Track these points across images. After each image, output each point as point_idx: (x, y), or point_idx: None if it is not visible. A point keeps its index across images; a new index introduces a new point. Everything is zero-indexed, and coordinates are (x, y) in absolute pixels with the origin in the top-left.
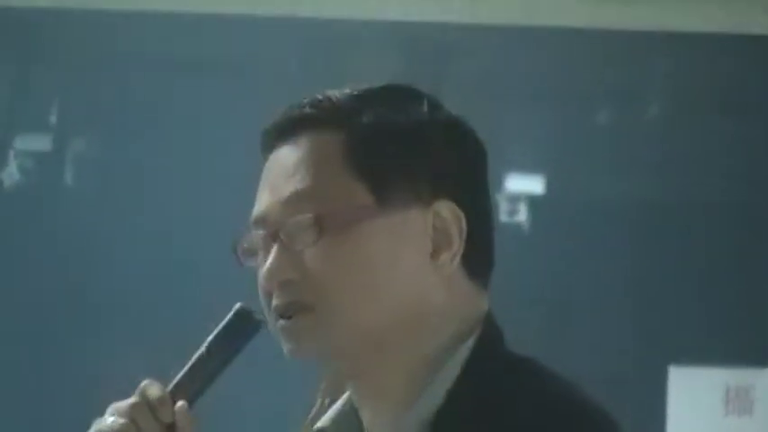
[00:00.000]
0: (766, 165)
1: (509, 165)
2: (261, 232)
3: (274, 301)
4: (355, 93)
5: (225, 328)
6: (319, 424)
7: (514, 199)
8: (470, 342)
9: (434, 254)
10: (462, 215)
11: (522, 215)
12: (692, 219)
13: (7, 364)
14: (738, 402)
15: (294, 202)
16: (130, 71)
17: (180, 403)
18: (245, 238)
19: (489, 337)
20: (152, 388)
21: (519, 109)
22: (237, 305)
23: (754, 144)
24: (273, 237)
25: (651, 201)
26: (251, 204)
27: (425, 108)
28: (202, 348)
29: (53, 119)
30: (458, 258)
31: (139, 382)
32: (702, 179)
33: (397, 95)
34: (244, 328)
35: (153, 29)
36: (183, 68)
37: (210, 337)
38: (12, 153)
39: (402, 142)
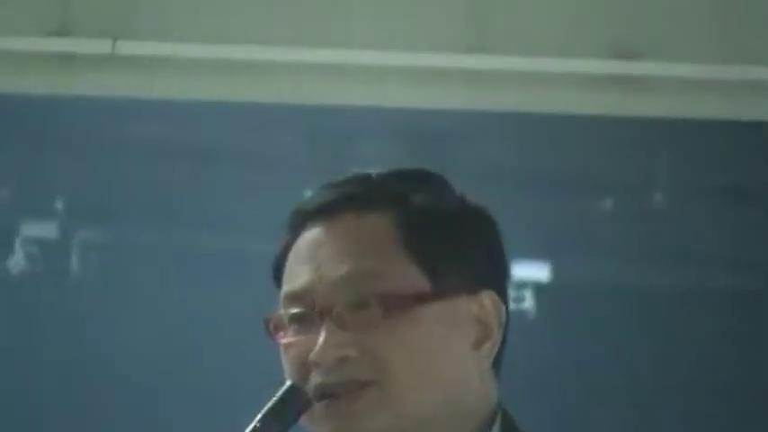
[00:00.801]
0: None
1: (513, 252)
2: (297, 310)
3: (318, 379)
4: (392, 173)
5: (276, 404)
6: None
7: (520, 286)
8: (496, 428)
9: (477, 343)
10: (503, 306)
11: (528, 302)
12: (698, 306)
13: None
14: None
15: (352, 280)
16: (136, 159)
17: None
18: (278, 313)
19: (510, 422)
20: None
21: (523, 196)
22: (288, 382)
23: (761, 232)
24: (322, 314)
25: (656, 287)
26: (258, 290)
27: (459, 194)
28: (253, 424)
29: (59, 206)
30: (497, 348)
31: None
32: (708, 267)
33: (431, 180)
34: (295, 405)
35: (159, 116)
36: (188, 156)
37: (262, 413)
38: (18, 241)
39: (451, 227)
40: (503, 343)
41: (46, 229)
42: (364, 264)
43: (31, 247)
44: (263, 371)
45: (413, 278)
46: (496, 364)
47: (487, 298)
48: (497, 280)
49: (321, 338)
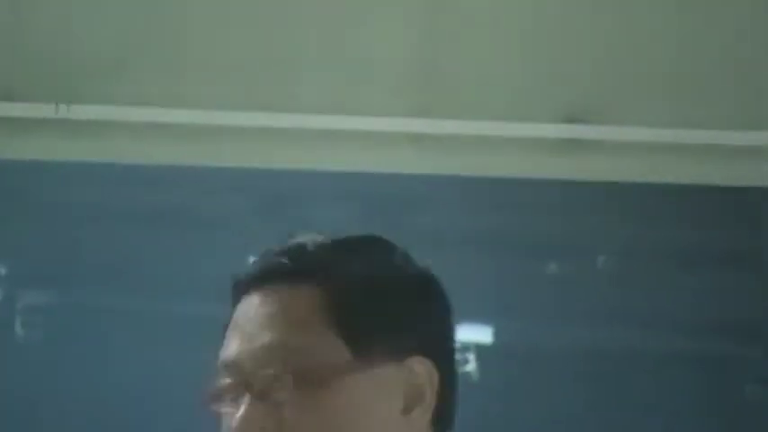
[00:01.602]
0: (719, 315)
1: (458, 314)
2: (227, 380)
3: None
4: (329, 243)
5: None
6: None
7: (463, 349)
8: None
9: (406, 409)
10: (435, 371)
11: (471, 365)
12: (643, 368)
13: None
14: None
15: (268, 353)
16: (82, 222)
17: None
18: (213, 383)
19: None
20: None
21: (469, 258)
22: None
23: (706, 295)
24: (246, 385)
25: (601, 350)
26: (208, 353)
27: (398, 261)
28: None
29: (2, 271)
30: (429, 414)
31: None
32: (654, 330)
33: (370, 247)
34: None
35: (105, 179)
36: (135, 218)
37: None
38: None
39: (378, 297)
40: (450, 404)
41: None
42: (283, 336)
43: None
44: None
45: (332, 350)
46: (443, 426)
47: (418, 363)
48: (434, 345)
49: (240, 412)
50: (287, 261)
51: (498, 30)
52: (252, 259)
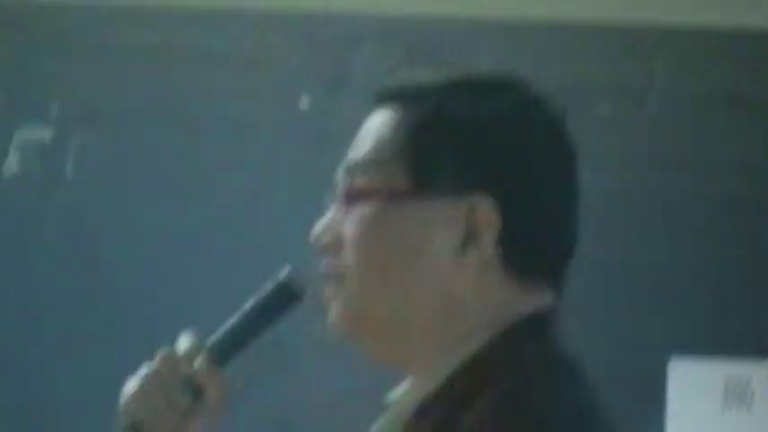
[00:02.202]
0: (763, 160)
1: None
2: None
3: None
4: (443, 77)
5: (266, 295)
6: (390, 396)
7: None
8: (486, 335)
9: (462, 248)
10: (498, 216)
11: None
12: (689, 211)
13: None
14: (738, 394)
15: (352, 167)
16: (132, 64)
17: (200, 359)
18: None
19: (514, 332)
20: (182, 340)
21: None
22: (285, 271)
23: (758, 140)
24: (334, 193)
25: (649, 192)
26: (257, 197)
27: (507, 103)
28: (242, 311)
29: (53, 111)
30: (485, 255)
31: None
32: (702, 172)
33: (485, 86)
34: (282, 298)
35: (155, 22)
36: (185, 61)
37: (252, 302)
38: (11, 145)
39: (455, 131)
40: (529, 253)
41: (41, 133)
42: (360, 154)
43: (26, 152)
44: (265, 275)
45: (394, 174)
46: (525, 273)
47: (482, 205)
48: (512, 189)
49: (322, 220)
50: (397, 84)
51: None
52: (305, 99)
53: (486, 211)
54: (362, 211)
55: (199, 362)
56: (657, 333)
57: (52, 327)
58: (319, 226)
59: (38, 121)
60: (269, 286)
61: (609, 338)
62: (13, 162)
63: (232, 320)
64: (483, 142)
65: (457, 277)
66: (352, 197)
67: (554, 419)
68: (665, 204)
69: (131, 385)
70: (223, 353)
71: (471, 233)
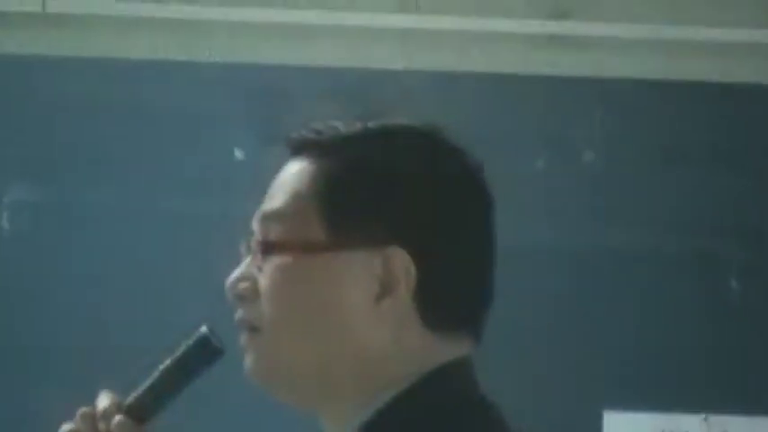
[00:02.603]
0: (700, 214)
1: None
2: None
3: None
4: (357, 127)
5: (186, 350)
6: None
7: None
8: (403, 384)
9: (378, 300)
10: (412, 264)
11: None
12: (627, 265)
13: None
14: None
15: (264, 219)
16: (68, 117)
17: (117, 418)
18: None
19: (431, 380)
20: (102, 399)
21: None
22: (202, 328)
23: (689, 192)
24: (246, 246)
25: (585, 247)
26: (190, 246)
27: (423, 153)
28: (162, 367)
29: None
30: (401, 307)
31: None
32: (638, 227)
33: (401, 136)
34: (204, 353)
35: (92, 74)
36: (121, 113)
37: (171, 358)
38: None
39: (368, 183)
40: (445, 304)
41: None
42: (275, 206)
43: None
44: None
45: (309, 227)
46: (440, 325)
47: (396, 255)
48: (427, 240)
49: (236, 269)
50: (310, 135)
51: None
52: (238, 152)
53: (400, 263)
54: (278, 262)
55: (117, 420)
56: (592, 385)
57: None
58: (234, 275)
59: None
60: (188, 341)
61: (545, 389)
62: None
63: (152, 377)
64: (396, 193)
65: (372, 329)
66: (268, 248)
67: None
68: (603, 258)
69: None
70: (143, 411)
71: (387, 285)
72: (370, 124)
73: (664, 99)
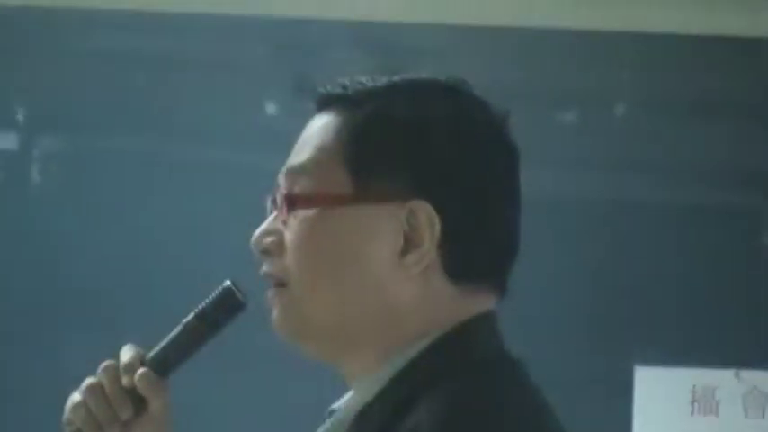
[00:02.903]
0: (733, 167)
1: None
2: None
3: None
4: (383, 81)
5: (209, 303)
6: (334, 405)
7: None
8: (430, 338)
9: (403, 253)
10: (437, 219)
11: None
12: (658, 218)
13: None
14: (704, 402)
15: (290, 174)
16: (99, 68)
17: (141, 370)
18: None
19: (457, 334)
20: (124, 352)
21: None
22: (226, 282)
23: (721, 147)
24: (273, 201)
25: (617, 199)
26: (219, 197)
27: (447, 105)
28: (185, 321)
29: (19, 117)
30: (426, 260)
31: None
32: (670, 180)
33: (426, 89)
34: (226, 306)
35: (123, 26)
36: (152, 65)
37: (195, 311)
38: None
39: (394, 135)
40: (469, 257)
41: (5, 140)
42: (301, 159)
43: None
44: (228, 277)
45: (336, 181)
46: (465, 278)
47: (421, 209)
48: (452, 193)
49: (262, 225)
50: (338, 89)
51: None
52: (270, 105)
53: (425, 216)
54: (303, 216)
55: (140, 372)
56: (624, 341)
57: (17, 334)
58: (259, 230)
59: (2, 127)
60: (211, 295)
61: (576, 346)
62: None
63: (175, 331)
64: (421, 146)
65: (398, 282)
66: (293, 202)
67: (502, 416)
68: (634, 211)
69: (74, 397)
70: (166, 364)
71: (411, 239)
72: (396, 78)
73: (695, 53)
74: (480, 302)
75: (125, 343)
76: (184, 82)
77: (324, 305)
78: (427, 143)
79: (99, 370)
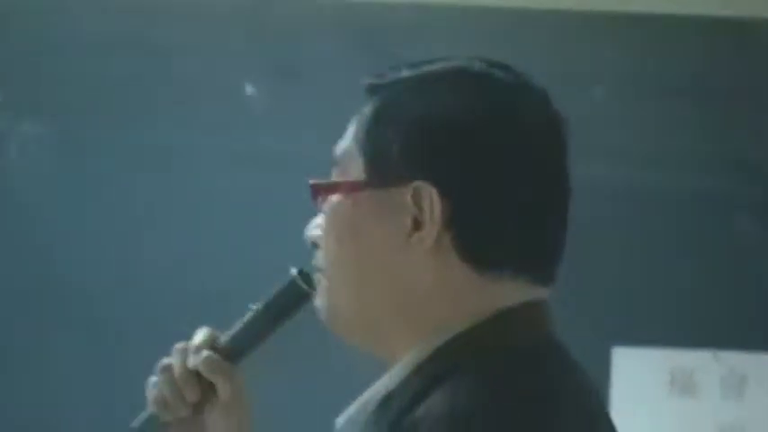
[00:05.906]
0: (710, 151)
1: None
2: None
3: None
4: (413, 70)
5: (276, 293)
6: (339, 417)
7: None
8: (456, 326)
9: (409, 233)
10: (437, 197)
11: None
12: (636, 201)
13: None
14: (682, 383)
15: (333, 165)
16: (81, 53)
17: (205, 353)
18: None
19: (477, 327)
20: (199, 334)
21: None
22: (294, 270)
23: (699, 131)
24: None
25: (594, 182)
26: (205, 183)
27: (470, 93)
28: (254, 308)
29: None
30: (430, 239)
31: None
32: (647, 163)
33: (446, 77)
34: (291, 296)
35: (104, 10)
36: (133, 50)
37: (264, 300)
38: None
39: (401, 120)
40: (490, 243)
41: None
42: (338, 151)
43: None
44: (212, 266)
45: (355, 168)
46: (487, 265)
47: (424, 187)
48: (465, 179)
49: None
50: (373, 78)
51: None
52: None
53: (427, 195)
54: (327, 206)
55: (204, 355)
56: (602, 321)
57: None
58: (311, 222)
59: None
60: (279, 285)
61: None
62: None
63: (244, 319)
64: (427, 130)
65: (411, 265)
66: (315, 192)
67: (501, 413)
68: (611, 194)
69: (152, 378)
70: (234, 350)
71: (419, 219)
72: (420, 67)
73: (676, 35)
74: (510, 291)
75: (104, 332)
76: (161, 66)
77: (344, 293)
78: (431, 128)
79: (173, 350)
